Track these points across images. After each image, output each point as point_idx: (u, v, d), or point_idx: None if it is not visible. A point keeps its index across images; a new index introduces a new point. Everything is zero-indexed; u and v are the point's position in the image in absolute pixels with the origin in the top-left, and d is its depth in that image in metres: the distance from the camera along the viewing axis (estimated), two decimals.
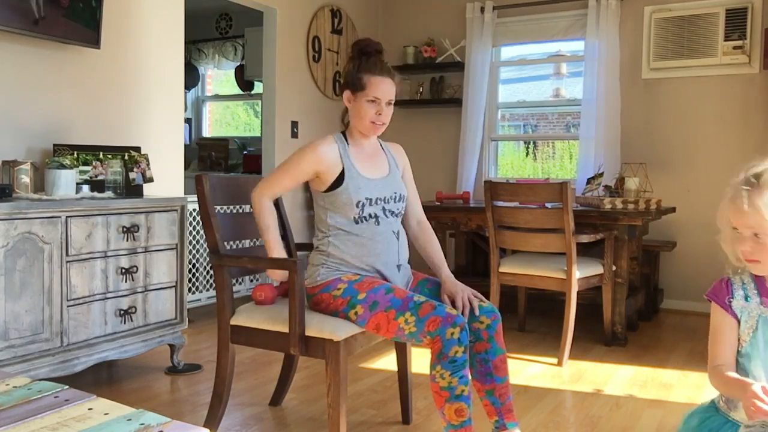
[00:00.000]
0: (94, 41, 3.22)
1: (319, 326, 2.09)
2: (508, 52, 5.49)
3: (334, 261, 2.19)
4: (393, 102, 2.23)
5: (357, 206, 2.15)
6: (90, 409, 1.17)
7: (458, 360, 1.92)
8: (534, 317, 4.19)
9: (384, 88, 2.18)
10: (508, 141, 6.12)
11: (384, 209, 2.21)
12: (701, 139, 4.61)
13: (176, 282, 3.12)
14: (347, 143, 2.25)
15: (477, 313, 2.13)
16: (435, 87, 5.49)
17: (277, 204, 2.64)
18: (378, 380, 3.04)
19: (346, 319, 2.11)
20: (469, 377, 1.98)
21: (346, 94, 2.23)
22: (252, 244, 3.53)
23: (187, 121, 6.84)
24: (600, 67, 4.72)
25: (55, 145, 3.08)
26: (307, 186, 4.92)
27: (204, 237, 3.13)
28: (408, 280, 2.29)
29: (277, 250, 2.22)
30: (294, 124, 4.87)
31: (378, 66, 2.19)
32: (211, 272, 4.05)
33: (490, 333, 2.14)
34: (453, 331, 1.91)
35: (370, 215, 2.17)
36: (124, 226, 2.84)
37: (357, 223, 2.16)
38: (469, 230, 4.32)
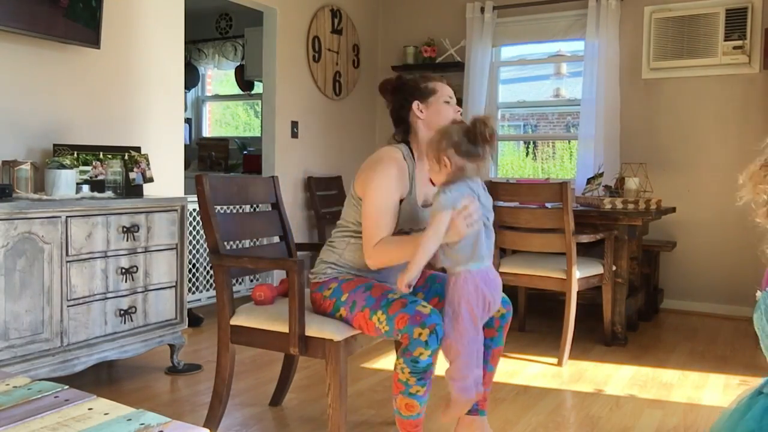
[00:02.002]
0: (94, 41, 3.22)
1: (319, 326, 2.09)
2: (508, 52, 5.49)
3: (343, 262, 2.17)
4: None
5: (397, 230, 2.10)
6: (90, 409, 1.17)
7: (421, 362, 1.88)
8: (534, 317, 4.19)
9: (449, 90, 2.20)
10: (508, 141, 6.12)
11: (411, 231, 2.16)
12: (701, 139, 4.61)
13: (176, 282, 3.12)
14: (413, 157, 2.16)
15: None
16: None
17: (277, 204, 2.64)
18: (378, 380, 3.04)
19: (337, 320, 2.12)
20: (432, 379, 1.93)
21: (416, 104, 2.14)
22: (252, 244, 3.53)
23: (187, 121, 6.84)
24: (600, 67, 4.72)
25: (55, 145, 3.08)
26: (307, 186, 4.97)
27: (204, 237, 3.13)
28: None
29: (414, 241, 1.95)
30: (294, 124, 4.87)
31: (429, 75, 2.21)
32: (211, 272, 4.05)
33: (501, 323, 2.15)
34: (421, 332, 1.87)
35: (402, 231, 2.12)
36: (124, 226, 2.84)
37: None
38: None
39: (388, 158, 2.08)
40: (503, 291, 2.10)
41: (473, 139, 1.87)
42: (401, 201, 2.08)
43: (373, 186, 2.03)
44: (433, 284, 2.26)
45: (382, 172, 2.05)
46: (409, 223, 2.10)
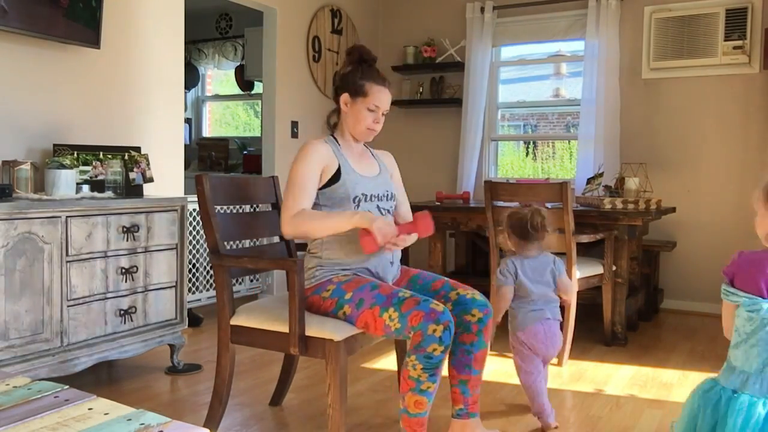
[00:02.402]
0: (94, 41, 3.22)
1: (319, 326, 2.09)
2: (508, 52, 5.49)
3: (328, 262, 2.20)
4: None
5: (354, 201, 2.18)
6: (90, 409, 1.17)
7: (434, 358, 1.93)
8: None
9: (384, 98, 2.25)
10: (508, 141, 6.12)
11: (378, 207, 2.25)
12: (701, 139, 4.61)
13: (176, 282, 3.12)
14: (338, 144, 2.29)
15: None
16: (435, 87, 5.49)
17: (277, 204, 2.64)
18: (378, 380, 3.04)
19: (336, 320, 2.12)
20: (441, 375, 2.00)
21: (344, 97, 2.26)
22: (252, 244, 3.53)
23: (187, 121, 6.84)
24: (600, 67, 4.72)
25: (55, 145, 3.08)
26: None
27: (204, 237, 3.13)
28: (394, 277, 2.31)
29: (352, 215, 2.10)
30: (294, 124, 4.87)
31: (379, 75, 2.26)
32: (211, 272, 4.05)
33: (480, 327, 2.16)
34: (435, 328, 1.92)
35: (355, 197, 2.21)
36: (124, 226, 2.84)
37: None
38: (469, 230, 4.32)
39: (307, 143, 2.23)
40: (482, 293, 2.26)
41: (523, 227, 2.56)
42: (338, 174, 2.19)
43: (292, 165, 2.21)
44: (415, 285, 2.30)
45: (299, 153, 2.22)
46: (356, 188, 2.19)
